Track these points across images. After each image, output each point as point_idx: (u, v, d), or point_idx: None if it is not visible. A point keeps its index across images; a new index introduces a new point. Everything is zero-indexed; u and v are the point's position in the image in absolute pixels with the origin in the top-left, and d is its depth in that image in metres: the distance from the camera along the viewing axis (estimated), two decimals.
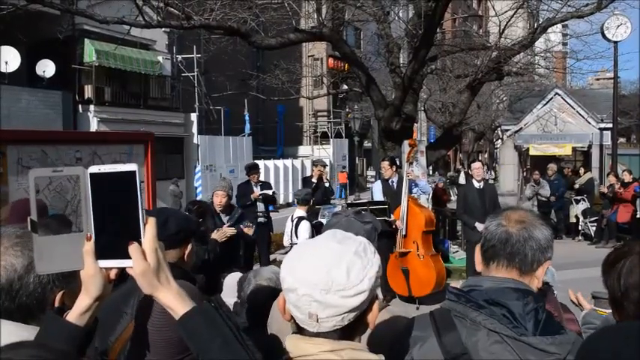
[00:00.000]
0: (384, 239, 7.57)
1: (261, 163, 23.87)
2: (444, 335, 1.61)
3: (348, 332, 1.31)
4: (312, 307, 1.28)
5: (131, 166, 1.20)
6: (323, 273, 1.27)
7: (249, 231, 6.25)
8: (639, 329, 1.20)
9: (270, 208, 9.93)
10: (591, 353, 1.19)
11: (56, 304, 1.41)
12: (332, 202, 11.35)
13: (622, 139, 34.88)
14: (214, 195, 6.44)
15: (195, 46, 22.26)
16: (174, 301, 1.21)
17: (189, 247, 2.20)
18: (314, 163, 11.15)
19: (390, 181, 8.70)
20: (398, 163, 9.02)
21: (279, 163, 25.59)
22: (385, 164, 8.80)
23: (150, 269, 1.18)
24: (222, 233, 5.71)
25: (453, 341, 1.59)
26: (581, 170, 17.45)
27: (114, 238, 1.19)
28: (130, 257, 1.18)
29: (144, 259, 1.18)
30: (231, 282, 3.60)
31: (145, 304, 1.67)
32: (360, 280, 1.28)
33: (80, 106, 19.40)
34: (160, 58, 22.15)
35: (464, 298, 1.63)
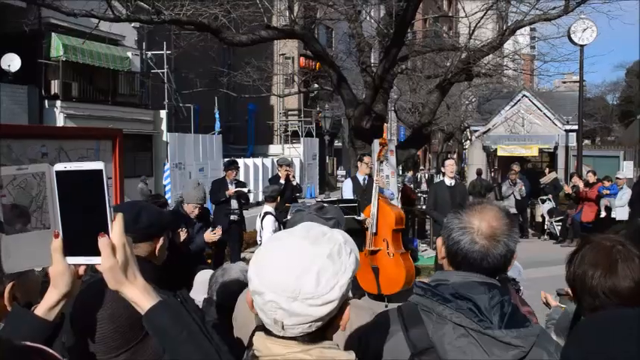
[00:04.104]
0: (353, 237, 7.60)
1: None
2: (411, 330, 1.60)
3: (316, 336, 1.25)
4: (278, 314, 1.21)
5: (97, 164, 1.18)
6: (291, 278, 1.19)
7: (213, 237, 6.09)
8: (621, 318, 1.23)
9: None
10: (578, 345, 1.21)
11: (5, 296, 1.41)
12: (300, 200, 11.28)
13: (587, 141, 35.61)
14: (186, 206, 6.49)
15: (165, 43, 22.03)
16: (141, 296, 1.21)
17: (161, 241, 2.18)
18: (278, 164, 10.49)
19: (362, 179, 8.75)
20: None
21: (249, 161, 25.41)
22: (368, 159, 8.86)
23: (117, 265, 1.18)
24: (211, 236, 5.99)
25: (420, 335, 1.58)
26: (547, 170, 17.76)
27: (82, 235, 1.18)
28: (98, 254, 1.17)
29: (112, 254, 1.17)
30: (201, 279, 3.60)
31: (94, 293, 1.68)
32: (331, 288, 1.20)
33: (46, 101, 19.02)
34: (129, 54, 21.83)
35: (430, 292, 1.62)
